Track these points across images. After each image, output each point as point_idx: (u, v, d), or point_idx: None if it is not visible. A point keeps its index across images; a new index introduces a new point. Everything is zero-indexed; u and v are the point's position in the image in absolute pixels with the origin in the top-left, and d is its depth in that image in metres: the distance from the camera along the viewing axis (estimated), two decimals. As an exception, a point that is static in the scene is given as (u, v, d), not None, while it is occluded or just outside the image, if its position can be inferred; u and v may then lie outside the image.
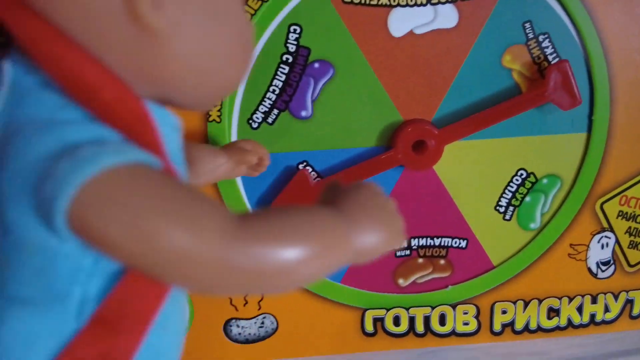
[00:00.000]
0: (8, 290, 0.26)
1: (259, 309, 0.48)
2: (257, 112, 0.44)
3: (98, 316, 0.26)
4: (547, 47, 0.44)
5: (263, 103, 0.44)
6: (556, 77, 0.44)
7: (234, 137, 0.44)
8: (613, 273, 0.49)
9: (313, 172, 0.46)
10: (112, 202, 0.24)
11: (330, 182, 0.30)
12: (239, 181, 0.45)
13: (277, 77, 0.43)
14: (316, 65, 0.43)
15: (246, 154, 0.42)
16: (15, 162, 0.25)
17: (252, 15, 0.42)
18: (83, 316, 0.26)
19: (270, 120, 0.44)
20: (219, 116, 0.44)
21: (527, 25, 0.44)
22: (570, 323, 0.50)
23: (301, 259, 0.25)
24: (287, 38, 0.43)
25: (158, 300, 0.26)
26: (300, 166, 0.45)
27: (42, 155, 0.24)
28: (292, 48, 0.43)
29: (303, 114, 0.44)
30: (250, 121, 0.44)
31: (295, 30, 0.43)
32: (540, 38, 0.44)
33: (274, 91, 0.44)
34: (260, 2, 0.42)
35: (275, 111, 0.44)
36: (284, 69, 0.43)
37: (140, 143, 0.26)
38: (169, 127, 0.28)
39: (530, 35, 0.44)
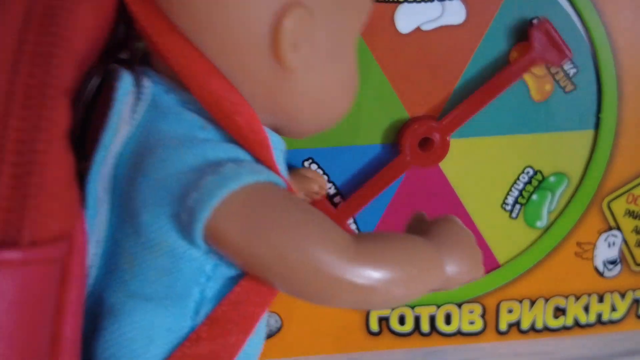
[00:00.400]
0: (132, 288, 0.28)
1: (263, 307, 0.47)
2: None
3: (213, 316, 0.28)
4: (554, 43, 0.44)
5: (268, 99, 0.44)
6: (539, 36, 0.43)
7: None
8: (620, 272, 0.49)
9: (319, 170, 0.45)
10: (249, 216, 0.26)
11: (416, 214, 0.34)
12: None
13: None
14: None
15: (307, 181, 0.44)
16: (158, 171, 0.27)
17: None
18: (199, 315, 0.29)
19: (275, 116, 0.44)
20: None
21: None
22: (576, 322, 0.49)
23: (406, 281, 0.28)
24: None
25: (265, 305, 0.29)
26: (306, 163, 0.45)
27: (186, 167, 0.27)
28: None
29: None
30: (256, 118, 0.44)
31: None
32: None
33: (279, 87, 0.44)
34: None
35: (281, 108, 0.44)
36: None
37: (265, 165, 0.29)
38: (279, 150, 0.32)
39: (538, 31, 0.44)
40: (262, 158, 0.29)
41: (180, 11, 0.29)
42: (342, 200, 0.46)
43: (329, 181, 0.46)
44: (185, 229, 0.27)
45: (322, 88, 0.31)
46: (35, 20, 0.26)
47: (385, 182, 0.45)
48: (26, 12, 0.26)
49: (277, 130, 0.32)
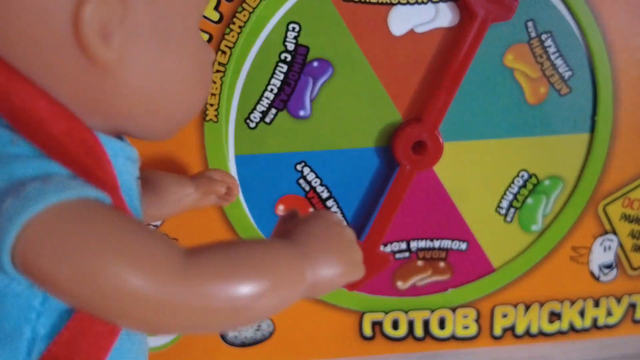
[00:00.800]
0: None
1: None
2: (255, 111, 0.43)
3: (48, 356, 0.25)
4: (549, 46, 0.44)
5: (261, 102, 0.43)
6: (476, 2, 0.42)
7: (231, 138, 0.44)
8: (616, 276, 0.48)
9: (311, 173, 0.45)
10: (55, 240, 0.23)
11: (287, 212, 0.30)
12: (234, 175, 0.45)
13: (275, 76, 0.43)
14: (315, 64, 0.43)
15: (214, 184, 0.41)
16: None
17: (250, 12, 0.41)
18: (33, 356, 0.26)
19: (268, 119, 0.44)
20: (216, 116, 0.43)
21: (530, 24, 0.43)
22: (572, 327, 0.49)
23: (253, 295, 0.25)
24: (286, 36, 0.42)
25: (110, 338, 0.26)
26: (299, 167, 0.45)
27: None
28: (290, 46, 0.42)
29: (301, 113, 0.44)
30: (248, 121, 0.43)
31: (294, 28, 0.42)
32: (543, 37, 0.43)
33: (272, 90, 0.43)
34: (258, 0, 0.41)
35: (274, 110, 0.43)
36: (282, 67, 0.43)
37: (90, 177, 0.26)
38: (123, 158, 0.29)
39: (533, 34, 0.43)
40: (88, 170, 0.26)
41: None
42: (335, 203, 0.45)
43: (322, 184, 0.45)
44: None
45: (153, 83, 0.28)
46: None
47: (397, 198, 0.44)
48: None
49: (121, 134, 0.30)
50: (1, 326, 0.26)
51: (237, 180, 0.43)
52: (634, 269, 0.49)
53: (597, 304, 0.49)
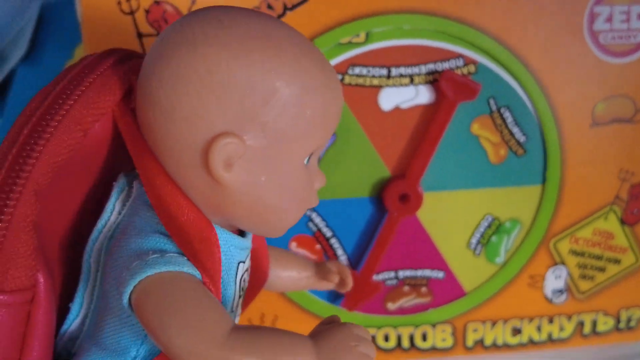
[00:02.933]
0: (97, 337, 0.36)
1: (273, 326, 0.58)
2: None
3: None
4: (507, 117, 0.54)
5: (278, 162, 0.54)
6: (448, 86, 0.52)
7: None
8: (566, 299, 0.59)
9: (318, 216, 0.56)
10: (156, 297, 0.32)
11: (329, 317, 0.36)
12: None
13: None
14: None
15: (330, 274, 0.48)
16: (117, 252, 0.35)
17: None
18: None
19: (283, 175, 0.55)
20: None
21: (491, 100, 0.54)
22: (530, 340, 0.60)
23: None
24: None
25: None
26: (308, 212, 0.56)
27: (130, 252, 0.34)
28: None
29: None
30: (268, 176, 0.55)
31: None
32: (502, 110, 0.54)
33: (286, 153, 0.54)
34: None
35: (288, 168, 0.55)
36: None
37: (195, 258, 0.34)
38: (233, 247, 0.37)
39: (494, 108, 0.54)
40: (196, 252, 0.34)
41: (145, 129, 0.35)
42: (337, 241, 0.56)
43: (327, 226, 0.56)
44: (122, 299, 0.33)
45: (258, 203, 0.35)
46: (24, 134, 0.34)
47: (387, 237, 0.55)
48: (26, 119, 0.35)
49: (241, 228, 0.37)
50: (120, 342, 0.35)
51: (349, 273, 0.49)
52: (581, 293, 0.59)
53: (551, 321, 0.60)
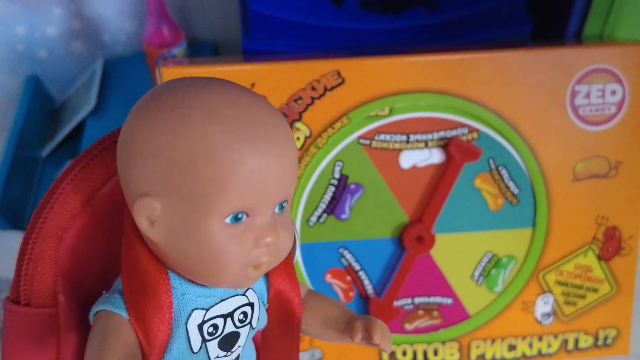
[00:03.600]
0: None
1: (311, 343, 0.70)
2: (313, 215, 0.67)
3: None
4: (504, 174, 0.67)
5: (317, 210, 0.67)
6: (456, 150, 0.64)
7: (297, 231, 0.67)
8: (553, 321, 0.71)
9: (349, 254, 0.68)
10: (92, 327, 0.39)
11: None
12: (299, 257, 0.68)
13: (326, 194, 0.66)
14: (352, 186, 0.66)
15: (354, 331, 0.42)
16: None
17: (312, 156, 0.65)
18: None
19: (321, 220, 0.67)
20: (288, 218, 0.66)
21: (491, 160, 0.66)
22: (523, 355, 0.72)
23: None
24: (334, 169, 0.65)
25: None
26: (340, 250, 0.68)
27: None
28: (337, 175, 0.66)
29: (343, 216, 0.67)
30: (308, 221, 0.67)
31: (339, 164, 0.65)
32: (499, 168, 0.66)
33: (324, 202, 0.66)
34: (316, 149, 0.64)
35: (325, 215, 0.67)
36: (331, 188, 0.66)
37: (132, 300, 0.38)
38: (190, 294, 0.39)
39: (493, 167, 0.66)
40: (139, 294, 0.38)
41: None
42: (364, 273, 0.68)
43: (356, 261, 0.68)
44: None
45: (185, 258, 0.37)
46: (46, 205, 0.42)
47: (405, 271, 0.67)
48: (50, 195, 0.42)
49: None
50: None
51: (378, 329, 0.42)
52: (565, 316, 0.71)
53: (540, 339, 0.72)
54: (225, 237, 0.37)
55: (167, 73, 0.62)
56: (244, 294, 0.42)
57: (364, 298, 0.69)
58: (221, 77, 0.63)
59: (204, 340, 0.40)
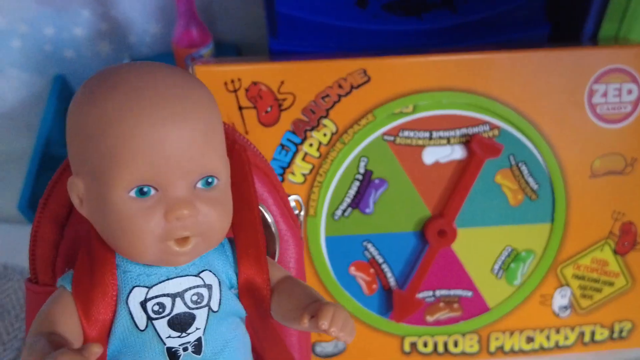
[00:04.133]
0: None
1: (334, 334, 0.72)
2: (339, 209, 0.69)
3: None
4: (524, 170, 0.68)
5: (342, 204, 0.69)
6: (477, 146, 0.65)
7: (322, 226, 0.69)
8: (570, 314, 0.73)
9: (373, 247, 0.70)
10: None
11: None
12: (324, 248, 0.70)
13: (351, 188, 0.68)
14: (376, 181, 0.68)
15: (321, 320, 0.38)
16: None
17: (338, 152, 0.67)
18: None
19: (346, 214, 0.69)
20: (314, 212, 0.68)
21: (511, 157, 0.68)
22: (541, 347, 0.73)
23: None
24: (359, 165, 0.67)
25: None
26: (364, 243, 0.70)
27: None
28: (362, 170, 0.68)
29: (367, 210, 0.69)
30: (334, 215, 0.69)
31: (364, 160, 0.67)
32: (519, 164, 0.68)
33: (349, 196, 0.68)
34: (342, 145, 0.67)
35: (350, 209, 0.69)
36: (356, 183, 0.68)
37: (75, 275, 0.40)
38: (132, 272, 0.40)
39: (513, 163, 0.68)
40: (87, 270, 0.40)
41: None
42: (387, 266, 0.70)
43: (379, 254, 0.70)
44: None
45: (105, 234, 0.39)
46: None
47: (427, 264, 0.69)
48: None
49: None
50: None
51: (340, 320, 0.38)
52: (582, 309, 0.73)
53: (557, 331, 0.73)
54: (131, 211, 0.37)
55: (200, 71, 0.64)
56: (196, 275, 0.42)
57: (386, 290, 0.71)
58: (251, 75, 0.65)
59: (150, 319, 0.40)
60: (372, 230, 0.69)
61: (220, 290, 0.42)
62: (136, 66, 0.39)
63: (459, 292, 0.71)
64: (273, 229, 0.52)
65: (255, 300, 0.44)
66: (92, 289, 0.40)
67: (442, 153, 0.67)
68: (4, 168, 0.96)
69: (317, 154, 0.66)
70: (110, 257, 0.40)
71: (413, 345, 0.72)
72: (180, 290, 0.41)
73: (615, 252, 0.71)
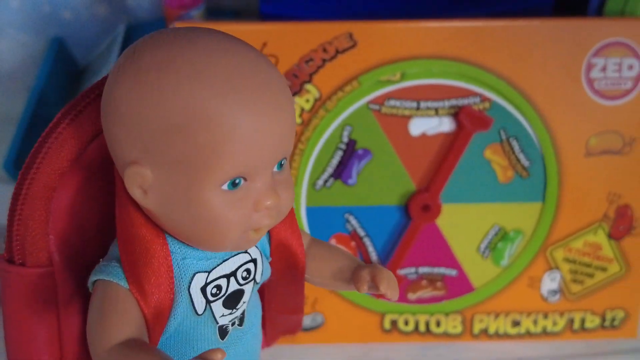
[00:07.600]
0: None
1: (313, 307, 0.70)
2: (320, 179, 0.66)
3: None
4: (514, 145, 0.66)
5: (324, 174, 0.66)
6: (466, 118, 0.63)
7: (303, 196, 0.67)
8: (559, 299, 0.70)
9: (354, 219, 0.68)
10: (91, 300, 0.39)
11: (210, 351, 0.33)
12: (304, 219, 0.68)
13: (334, 158, 0.66)
14: (360, 151, 0.66)
15: (360, 283, 0.42)
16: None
17: (320, 119, 0.64)
18: None
19: (328, 184, 0.67)
20: (295, 181, 0.66)
21: (502, 131, 0.65)
22: (527, 332, 0.71)
23: None
24: (342, 134, 0.65)
25: None
26: (346, 215, 0.68)
27: (106, 254, 0.40)
28: (345, 140, 0.65)
29: (350, 181, 0.67)
30: (315, 185, 0.67)
31: (347, 128, 0.65)
32: (510, 140, 0.65)
33: (332, 166, 0.66)
34: (325, 112, 0.64)
35: (332, 179, 0.66)
36: (339, 153, 0.66)
37: (131, 268, 0.37)
38: (190, 258, 0.39)
39: (504, 137, 0.65)
40: (130, 263, 0.37)
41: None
42: (369, 240, 0.68)
43: (361, 227, 0.68)
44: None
45: (181, 226, 0.37)
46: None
47: (410, 239, 0.67)
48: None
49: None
50: None
51: (385, 279, 0.41)
52: (572, 294, 0.70)
53: (545, 316, 0.71)
54: (223, 205, 0.36)
55: (180, 29, 0.62)
56: (245, 252, 0.42)
57: (367, 265, 0.69)
58: (234, 36, 0.63)
59: (208, 302, 0.40)
60: (354, 202, 0.67)
61: (263, 262, 0.43)
62: (206, 40, 0.36)
63: (442, 270, 0.69)
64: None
65: (288, 263, 0.44)
66: (151, 281, 0.37)
67: (430, 124, 0.65)
68: (1, 129, 0.96)
69: (299, 121, 0.64)
70: (163, 243, 0.38)
71: (393, 323, 0.70)
72: (234, 269, 0.41)
73: (609, 236, 0.68)
